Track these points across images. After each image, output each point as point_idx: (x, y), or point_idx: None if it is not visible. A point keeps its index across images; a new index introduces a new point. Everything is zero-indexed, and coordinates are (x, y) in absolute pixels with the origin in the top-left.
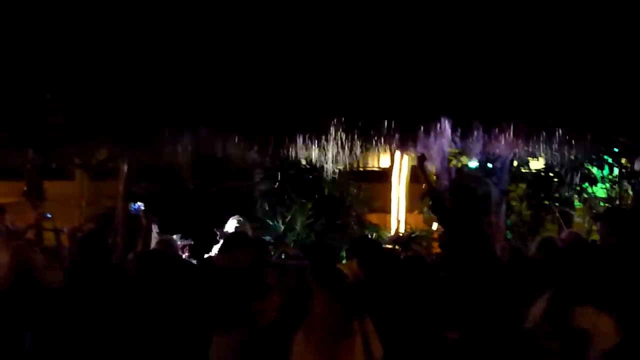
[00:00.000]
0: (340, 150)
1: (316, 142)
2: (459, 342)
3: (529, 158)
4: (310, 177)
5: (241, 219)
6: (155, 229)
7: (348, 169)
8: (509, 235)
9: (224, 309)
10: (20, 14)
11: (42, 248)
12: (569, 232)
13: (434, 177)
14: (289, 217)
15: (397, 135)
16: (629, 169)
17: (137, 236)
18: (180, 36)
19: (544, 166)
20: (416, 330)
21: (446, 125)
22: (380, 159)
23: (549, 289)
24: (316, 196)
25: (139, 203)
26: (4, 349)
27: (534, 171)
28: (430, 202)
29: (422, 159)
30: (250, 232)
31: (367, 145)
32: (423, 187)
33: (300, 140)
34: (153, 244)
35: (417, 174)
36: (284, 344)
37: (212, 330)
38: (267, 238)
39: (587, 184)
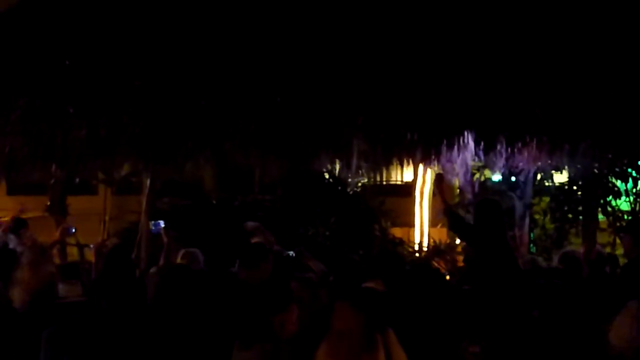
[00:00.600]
0: (363, 163)
1: (339, 155)
2: (480, 355)
3: (553, 171)
4: (334, 190)
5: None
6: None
7: (371, 183)
8: (533, 249)
9: (245, 324)
10: (43, 28)
11: (65, 263)
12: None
13: (457, 191)
14: (312, 231)
15: (420, 149)
16: None
17: (160, 251)
18: (205, 51)
19: (567, 179)
20: (437, 344)
21: (469, 138)
22: (403, 173)
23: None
24: (339, 210)
25: (159, 221)
26: None
27: (558, 184)
28: (447, 220)
29: (439, 178)
30: (274, 245)
31: (390, 158)
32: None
33: (323, 153)
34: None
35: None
36: (306, 358)
37: (233, 345)
38: (290, 253)
39: (610, 197)
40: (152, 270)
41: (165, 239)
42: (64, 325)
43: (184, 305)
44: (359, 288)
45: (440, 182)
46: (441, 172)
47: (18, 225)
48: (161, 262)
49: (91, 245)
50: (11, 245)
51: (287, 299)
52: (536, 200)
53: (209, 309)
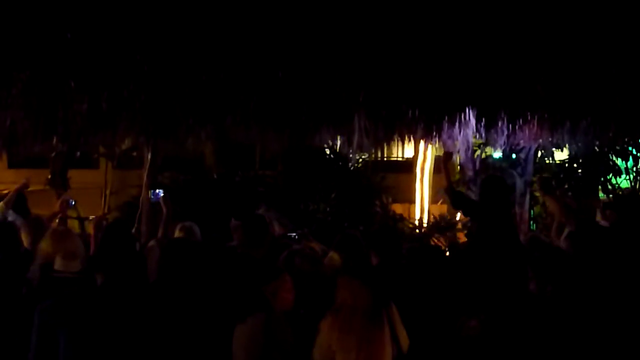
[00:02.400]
0: (364, 140)
1: (340, 131)
2: (478, 329)
3: (553, 149)
4: (335, 166)
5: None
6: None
7: (372, 159)
8: (533, 227)
9: (239, 296)
10: (45, 1)
11: None
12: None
13: (458, 168)
14: (312, 207)
15: (421, 126)
16: None
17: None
18: (206, 24)
19: (568, 157)
20: (435, 319)
21: (471, 115)
22: (404, 149)
23: None
24: (340, 185)
25: (158, 190)
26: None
27: (558, 162)
28: (449, 198)
29: (448, 156)
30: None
31: (392, 134)
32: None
33: (324, 129)
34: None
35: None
36: (309, 332)
37: (233, 319)
38: (293, 235)
39: (611, 175)
40: (151, 243)
41: (164, 209)
42: (59, 299)
43: (185, 278)
44: (366, 264)
45: (448, 160)
46: (451, 151)
47: (19, 201)
48: (160, 233)
49: (91, 217)
50: (10, 219)
51: (277, 269)
52: (537, 177)
53: (210, 282)
